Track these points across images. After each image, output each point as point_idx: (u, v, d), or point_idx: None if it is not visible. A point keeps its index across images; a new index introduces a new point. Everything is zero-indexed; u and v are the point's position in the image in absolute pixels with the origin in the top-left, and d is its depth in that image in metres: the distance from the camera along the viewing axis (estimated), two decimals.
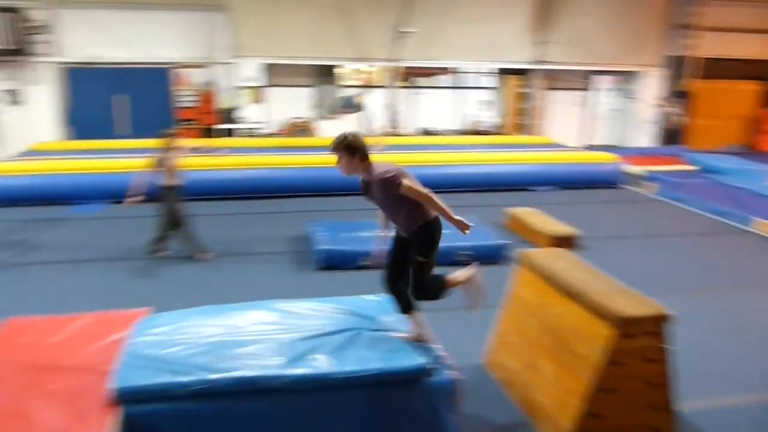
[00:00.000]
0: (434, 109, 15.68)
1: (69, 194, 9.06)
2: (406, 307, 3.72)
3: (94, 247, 7.21)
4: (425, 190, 3.48)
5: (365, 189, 3.71)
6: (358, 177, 3.66)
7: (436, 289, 3.76)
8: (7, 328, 3.95)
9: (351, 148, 3.52)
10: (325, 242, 6.52)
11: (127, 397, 3.10)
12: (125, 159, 9.77)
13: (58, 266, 6.56)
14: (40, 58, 12.09)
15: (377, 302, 4.13)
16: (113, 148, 10.83)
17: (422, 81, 15.95)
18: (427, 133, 15.09)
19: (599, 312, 3.37)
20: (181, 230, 6.62)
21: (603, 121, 16.08)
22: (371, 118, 13.33)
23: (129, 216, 8.48)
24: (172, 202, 6.50)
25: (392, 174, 3.47)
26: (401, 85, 14.45)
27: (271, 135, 13.43)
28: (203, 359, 3.35)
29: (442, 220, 3.58)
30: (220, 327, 3.73)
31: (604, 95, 16.10)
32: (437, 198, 3.50)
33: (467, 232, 3.58)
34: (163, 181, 6.44)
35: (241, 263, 6.70)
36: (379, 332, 3.72)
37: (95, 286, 6.01)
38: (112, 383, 3.12)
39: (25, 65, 12.05)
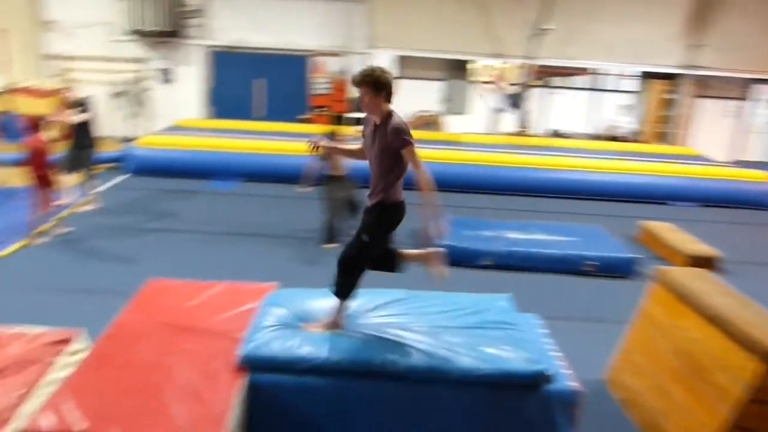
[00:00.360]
0: (567, 110, 15.18)
1: (207, 169, 9.74)
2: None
3: (226, 221, 7.72)
4: (417, 161, 3.33)
5: (367, 133, 3.51)
6: (373, 119, 3.42)
7: (346, 284, 3.56)
8: (147, 289, 4.33)
9: (379, 84, 3.30)
10: (447, 238, 6.53)
11: (253, 365, 3.31)
12: (261, 140, 10.36)
13: (191, 235, 7.10)
14: (191, 41, 13.07)
15: (500, 301, 4.10)
16: (249, 129, 11.49)
17: (557, 81, 15.48)
18: (557, 135, 14.64)
19: (746, 342, 3.12)
20: (331, 215, 6.82)
21: (759, 135, 14.78)
22: (526, 117, 13.00)
23: (261, 194, 9.02)
24: (336, 191, 6.70)
25: (407, 130, 3.33)
26: (534, 83, 14.11)
27: None
28: (325, 337, 3.50)
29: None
30: None
31: (763, 106, 14.79)
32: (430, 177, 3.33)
33: (434, 233, 3.39)
34: (328, 170, 6.71)
35: None
36: (499, 332, 3.69)
37: (224, 257, 6.44)
38: (241, 350, 3.34)
39: (178, 46, 13.09)
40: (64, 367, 3.70)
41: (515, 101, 12.58)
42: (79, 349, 3.93)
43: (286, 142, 10.14)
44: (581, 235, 6.98)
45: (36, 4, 12.90)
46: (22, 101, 12.19)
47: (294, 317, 3.77)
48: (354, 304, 3.95)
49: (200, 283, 4.38)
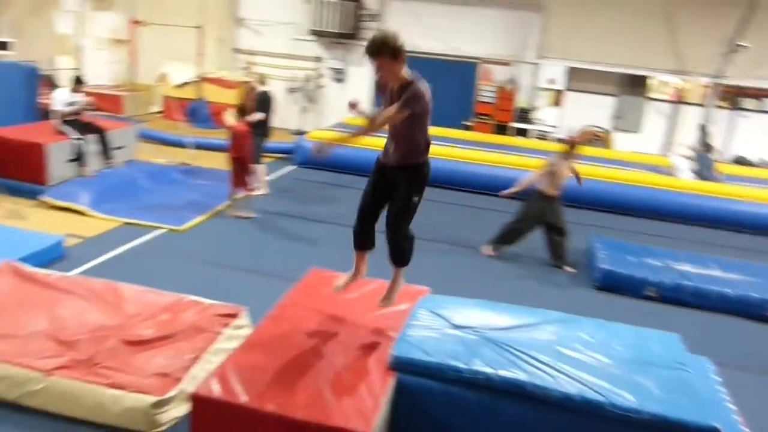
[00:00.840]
0: (757, 136, 13.69)
1: (370, 167, 9.98)
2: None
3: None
4: (388, 119, 3.30)
5: (386, 100, 3.40)
6: (390, 86, 3.32)
7: (408, 245, 3.60)
8: (309, 277, 4.53)
9: (396, 50, 3.17)
10: (608, 262, 6.16)
11: (403, 367, 3.32)
12: None
13: (350, 230, 7.30)
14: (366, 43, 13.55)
15: (668, 340, 3.77)
16: None
17: (748, 103, 14.00)
18: (742, 162, 13.26)
19: None
20: (518, 226, 6.67)
21: None
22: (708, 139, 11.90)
23: (432, 199, 9.02)
24: (540, 207, 6.53)
25: (421, 98, 3.21)
26: (721, 105, 12.89)
27: (560, 141, 13.13)
28: (477, 350, 3.43)
29: None
30: (496, 323, 3.77)
31: None
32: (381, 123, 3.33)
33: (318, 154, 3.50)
34: (543, 186, 6.55)
35: (518, 265, 6.67)
36: (667, 372, 3.38)
37: (380, 255, 6.53)
38: (393, 351, 3.37)
39: (352, 48, 13.62)
40: (229, 338, 3.99)
41: (702, 134, 11.48)
42: (244, 324, 4.21)
43: (448, 147, 10.16)
44: (766, 276, 6.25)
45: (232, 3, 14.11)
46: (210, 90, 13.41)
47: (446, 324, 3.74)
48: (504, 318, 3.84)
49: None
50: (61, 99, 8.19)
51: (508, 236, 6.76)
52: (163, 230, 6.68)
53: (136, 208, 7.22)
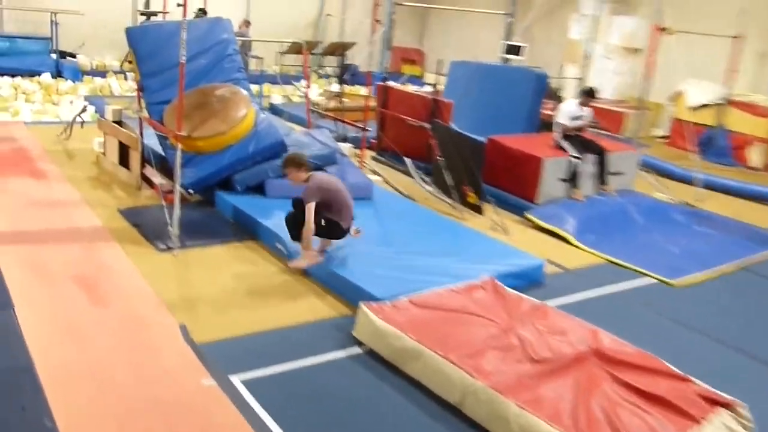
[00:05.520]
0: None
1: None
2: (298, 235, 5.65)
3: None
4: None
5: None
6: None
7: None
8: None
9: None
10: None
11: None
12: None
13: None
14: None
15: None
16: None
17: None
18: None
19: None
20: None
21: None
22: None
23: None
24: None
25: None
26: None
27: None
28: None
29: None
30: None
31: None
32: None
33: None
34: None
35: None
36: None
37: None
38: None
39: None
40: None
41: None
42: (743, 422, 3.82)
43: None
44: None
45: None
46: (735, 117, 12.61)
47: None
48: None
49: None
50: (567, 111, 8.68)
51: None
52: (652, 280, 6.50)
53: (624, 246, 7.13)
